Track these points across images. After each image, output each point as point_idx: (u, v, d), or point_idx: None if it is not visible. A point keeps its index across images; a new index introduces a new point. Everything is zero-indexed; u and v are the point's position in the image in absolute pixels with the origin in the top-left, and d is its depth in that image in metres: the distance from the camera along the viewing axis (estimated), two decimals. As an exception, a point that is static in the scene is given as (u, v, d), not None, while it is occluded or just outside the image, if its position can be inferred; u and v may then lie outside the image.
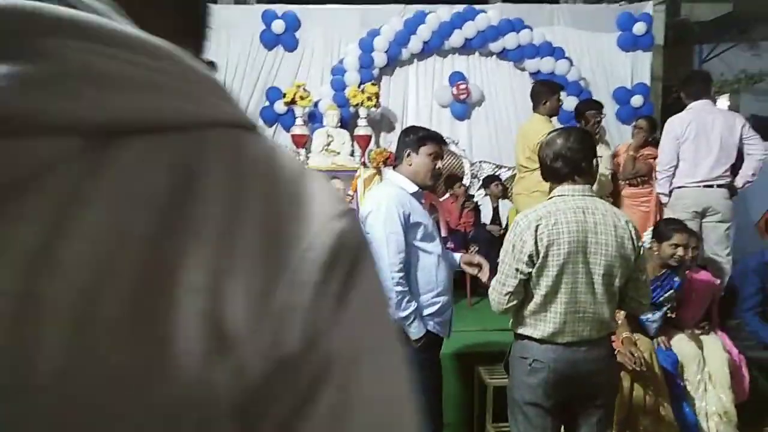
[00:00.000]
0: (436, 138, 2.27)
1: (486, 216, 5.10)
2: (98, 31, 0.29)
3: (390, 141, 5.65)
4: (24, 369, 0.25)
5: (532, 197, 3.93)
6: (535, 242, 1.79)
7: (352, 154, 5.34)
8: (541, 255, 1.79)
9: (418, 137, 2.22)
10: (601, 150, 4.55)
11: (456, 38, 5.53)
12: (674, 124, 3.71)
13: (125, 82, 0.29)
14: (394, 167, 2.30)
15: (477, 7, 5.60)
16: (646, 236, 3.22)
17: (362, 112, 5.33)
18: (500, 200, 5.05)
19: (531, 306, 1.88)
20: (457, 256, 2.38)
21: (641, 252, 1.90)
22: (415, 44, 5.54)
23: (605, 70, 5.75)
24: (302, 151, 5.32)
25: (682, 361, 2.93)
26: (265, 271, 0.28)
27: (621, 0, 5.82)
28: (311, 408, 0.29)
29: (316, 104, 5.53)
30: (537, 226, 1.80)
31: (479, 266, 2.29)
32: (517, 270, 1.83)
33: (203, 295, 0.27)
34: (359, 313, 0.31)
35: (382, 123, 5.78)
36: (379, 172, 5.16)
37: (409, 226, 2.11)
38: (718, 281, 3.34)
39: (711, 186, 3.60)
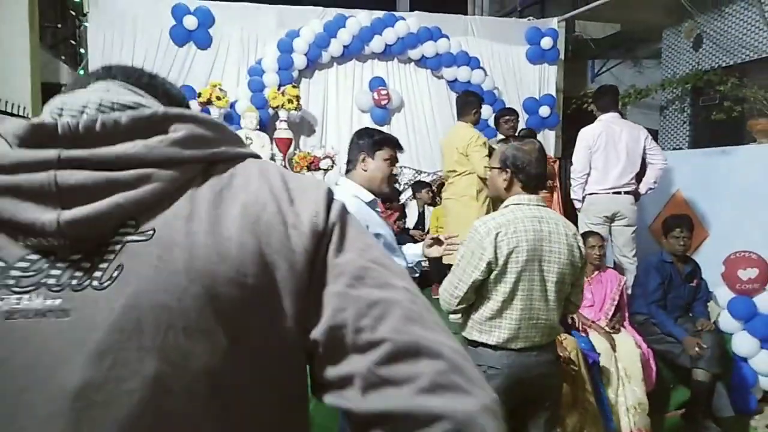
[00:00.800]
0: (393, 141, 2.18)
1: (410, 221, 5.15)
2: (193, 117, 0.60)
3: (312, 145, 5.55)
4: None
5: (461, 201, 4.05)
6: (495, 250, 1.82)
7: (272, 158, 5.16)
8: (500, 263, 1.82)
9: (373, 140, 2.10)
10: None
11: (376, 43, 5.55)
12: (586, 135, 3.96)
13: (211, 140, 0.60)
14: (346, 173, 2.22)
15: (396, 14, 5.66)
16: None
17: (282, 114, 5.19)
18: (426, 206, 5.13)
19: (486, 312, 1.90)
20: (410, 249, 2.27)
21: (585, 260, 2.00)
22: (335, 48, 5.48)
23: (516, 80, 6.04)
24: (219, 154, 5.06)
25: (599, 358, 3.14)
26: (305, 208, 0.60)
27: (529, 16, 6.15)
28: (338, 245, 0.60)
29: (232, 105, 5.29)
30: (497, 234, 1.83)
31: (439, 242, 2.16)
32: (472, 276, 1.85)
33: (290, 217, 0.58)
34: (348, 222, 0.62)
35: (302, 126, 5.66)
36: (301, 176, 5.04)
37: None
38: (625, 279, 3.63)
39: (619, 192, 3.89)
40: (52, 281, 0.49)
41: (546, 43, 5.93)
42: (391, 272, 0.59)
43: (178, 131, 0.57)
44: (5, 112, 4.94)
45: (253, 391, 0.54)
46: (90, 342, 0.48)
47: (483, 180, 3.95)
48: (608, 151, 3.88)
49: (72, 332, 0.48)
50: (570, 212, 4.98)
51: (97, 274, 0.50)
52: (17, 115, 4.99)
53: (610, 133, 3.89)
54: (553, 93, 6.12)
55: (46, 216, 0.49)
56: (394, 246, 2.20)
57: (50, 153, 0.51)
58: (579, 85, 7.83)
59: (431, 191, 5.17)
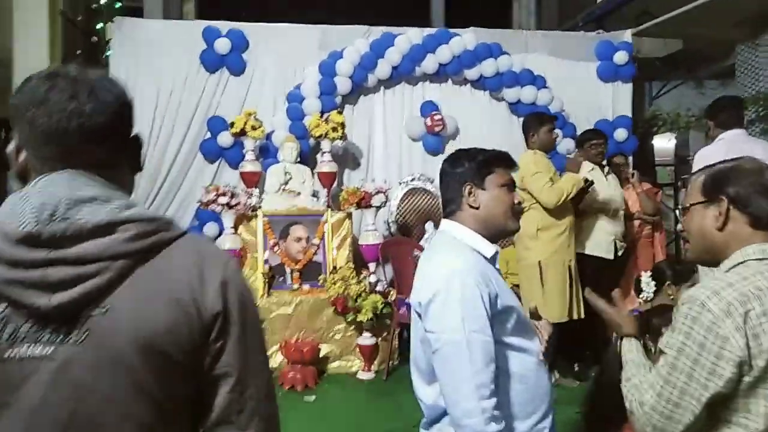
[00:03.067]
0: (504, 158, 1.52)
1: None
2: (138, 217, 0.80)
3: (360, 179, 4.88)
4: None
5: (521, 242, 3.55)
6: (747, 341, 1.07)
7: (314, 194, 4.51)
8: (761, 363, 1.07)
9: (478, 163, 1.47)
10: (617, 186, 4.05)
11: (429, 63, 4.92)
12: (707, 158, 3.19)
13: (151, 232, 0.81)
14: (446, 216, 1.53)
15: (451, 30, 5.05)
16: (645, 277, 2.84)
17: (325, 145, 4.55)
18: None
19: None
20: None
21: None
22: (382, 69, 4.87)
23: (585, 101, 5.33)
24: (255, 191, 4.43)
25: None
26: (207, 287, 0.82)
27: (598, 29, 5.48)
28: (229, 328, 0.82)
29: (269, 136, 4.69)
30: (747, 313, 1.08)
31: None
32: (707, 388, 1.09)
33: (196, 294, 0.81)
34: (236, 298, 0.83)
35: (346, 158, 5.01)
36: (349, 216, 4.36)
37: (496, 314, 1.32)
38: None
39: None
40: (45, 338, 0.76)
41: (620, 58, 5.23)
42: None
43: (127, 231, 0.78)
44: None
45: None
46: (70, 374, 0.76)
47: (549, 212, 3.40)
48: (738, 176, 3.11)
49: (57, 370, 0.76)
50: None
51: (74, 334, 0.76)
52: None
53: (738, 154, 3.12)
54: (629, 113, 5.38)
55: (41, 300, 0.75)
56: (527, 320, 1.47)
57: (40, 254, 0.75)
58: (637, 109, 7.07)
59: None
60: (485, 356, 1.27)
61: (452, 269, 1.34)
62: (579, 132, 5.01)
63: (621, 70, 5.28)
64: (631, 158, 5.31)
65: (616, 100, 5.37)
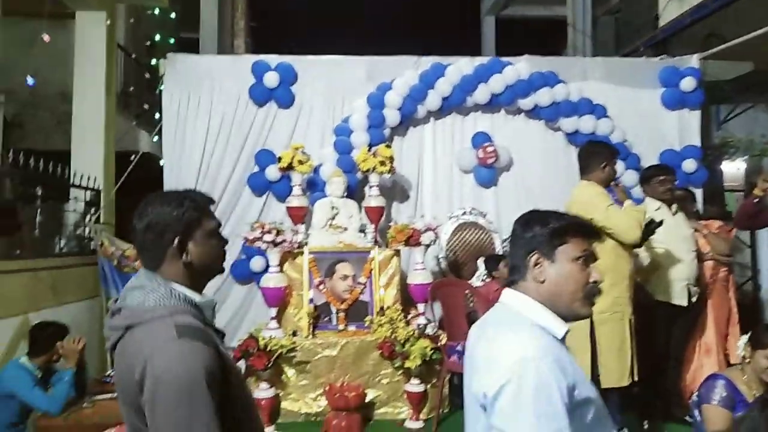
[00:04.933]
0: (584, 228, 1.31)
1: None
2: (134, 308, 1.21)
3: (409, 213, 4.72)
4: None
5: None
6: None
7: (362, 229, 4.37)
8: None
9: (550, 230, 1.27)
10: (687, 225, 3.71)
11: (480, 93, 4.74)
12: None
13: (136, 315, 1.19)
14: (509, 284, 1.33)
15: (503, 59, 4.86)
16: (742, 341, 2.42)
17: (373, 179, 4.42)
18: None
19: None
20: None
21: None
22: (432, 100, 4.72)
23: (649, 130, 5.00)
24: (301, 227, 4.33)
25: None
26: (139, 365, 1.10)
27: (661, 53, 5.17)
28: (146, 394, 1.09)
29: (316, 170, 4.60)
30: None
31: None
32: None
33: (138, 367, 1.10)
34: (151, 381, 1.07)
35: (394, 192, 4.87)
36: (397, 253, 4.19)
37: (574, 409, 1.12)
38: None
39: None
40: None
41: (687, 84, 4.90)
42: None
43: (124, 317, 1.19)
44: (76, 186, 4.49)
45: None
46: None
47: (627, 248, 2.94)
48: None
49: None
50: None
51: None
52: (87, 188, 4.53)
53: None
54: (697, 143, 5.02)
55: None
56: (608, 416, 1.25)
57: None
58: (704, 135, 6.61)
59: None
60: None
61: (523, 356, 1.13)
62: (643, 164, 4.72)
63: (688, 97, 4.94)
64: (700, 191, 4.93)
65: (683, 129, 5.03)
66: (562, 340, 1.24)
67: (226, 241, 1.34)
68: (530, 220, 1.33)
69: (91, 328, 4.07)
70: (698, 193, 4.89)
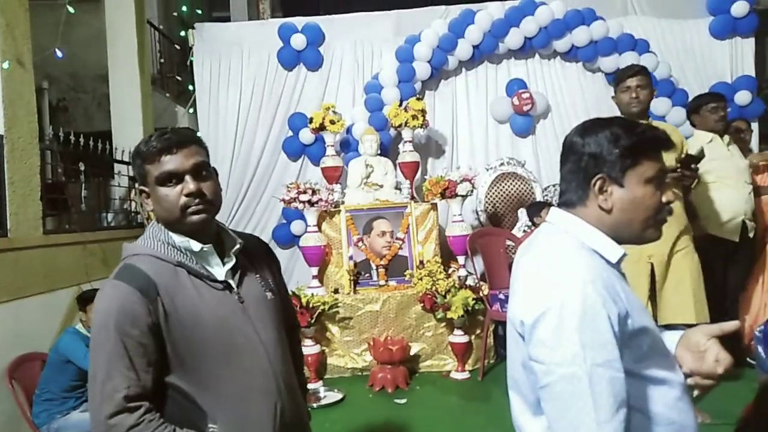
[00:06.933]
0: (662, 142, 1.10)
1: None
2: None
3: (444, 167, 4.64)
4: None
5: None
6: None
7: (397, 186, 4.33)
8: None
9: (622, 147, 1.06)
10: (740, 157, 3.48)
11: (513, 38, 4.56)
12: None
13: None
14: (560, 204, 1.15)
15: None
16: None
17: (406, 134, 4.35)
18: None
19: None
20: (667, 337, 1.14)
21: None
22: (463, 49, 4.58)
23: (697, 63, 4.70)
24: (336, 187, 4.33)
25: None
26: None
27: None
28: None
29: (348, 129, 4.57)
30: None
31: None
32: None
33: None
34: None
35: (429, 147, 4.79)
36: (434, 207, 4.14)
37: (626, 339, 0.98)
38: None
39: None
40: None
41: (738, 10, 4.55)
42: None
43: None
44: (119, 161, 4.65)
45: None
46: None
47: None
48: None
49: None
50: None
51: None
52: (130, 163, 4.67)
53: None
54: (752, 73, 4.68)
55: None
56: (666, 348, 1.10)
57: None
58: (758, 67, 6.14)
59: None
60: (614, 398, 0.93)
61: (568, 278, 0.98)
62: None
63: (740, 23, 4.59)
64: (756, 124, 4.61)
65: (735, 59, 4.69)
66: (615, 265, 1.07)
67: (190, 192, 1.17)
68: (595, 131, 1.09)
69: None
70: (754, 126, 4.58)
